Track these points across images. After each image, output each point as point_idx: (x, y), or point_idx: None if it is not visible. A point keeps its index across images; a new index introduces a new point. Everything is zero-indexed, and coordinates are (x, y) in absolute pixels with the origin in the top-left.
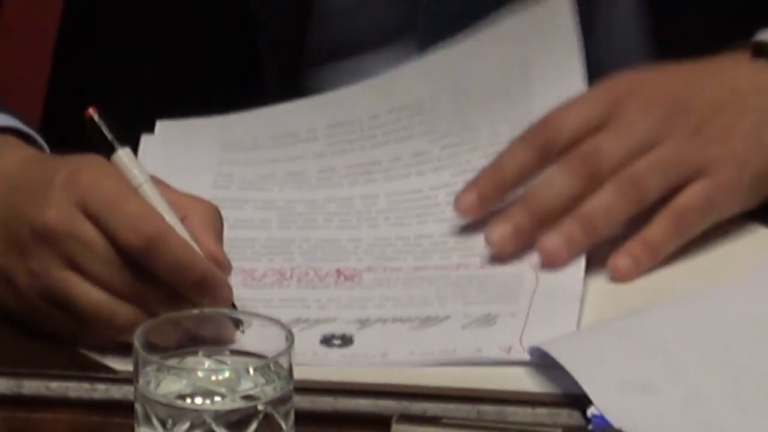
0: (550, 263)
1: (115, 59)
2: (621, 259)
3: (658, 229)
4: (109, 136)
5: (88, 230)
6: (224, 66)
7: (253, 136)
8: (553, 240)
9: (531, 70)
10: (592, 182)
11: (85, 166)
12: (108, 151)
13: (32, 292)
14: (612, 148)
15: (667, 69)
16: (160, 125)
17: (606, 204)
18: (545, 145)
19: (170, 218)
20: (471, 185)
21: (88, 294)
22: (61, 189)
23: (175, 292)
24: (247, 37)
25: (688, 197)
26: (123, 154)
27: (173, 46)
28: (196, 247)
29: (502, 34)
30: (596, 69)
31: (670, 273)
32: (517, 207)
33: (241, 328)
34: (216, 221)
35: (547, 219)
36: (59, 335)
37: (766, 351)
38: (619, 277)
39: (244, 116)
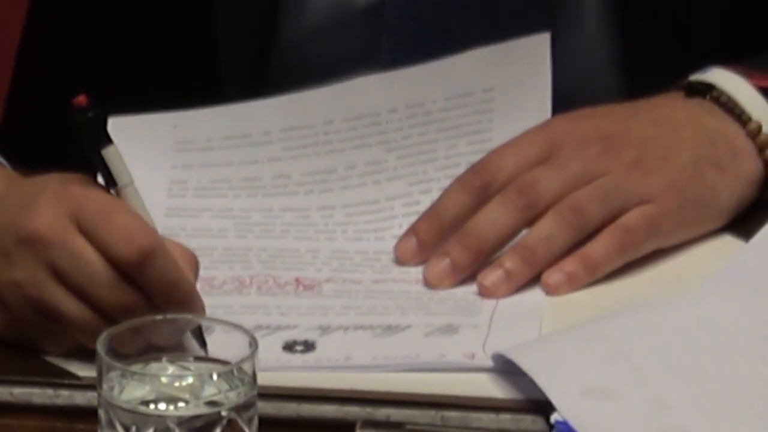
0: (490, 297)
1: (78, 67)
2: (553, 274)
3: (600, 245)
4: (102, 129)
5: (79, 242)
6: (185, 81)
7: (207, 135)
8: (491, 275)
9: (496, 98)
10: (530, 213)
11: (74, 179)
12: (96, 143)
13: (16, 302)
14: (549, 179)
15: (602, 109)
16: (113, 122)
17: (547, 233)
18: (482, 188)
19: (152, 225)
20: (410, 231)
21: (76, 311)
22: (51, 199)
23: (157, 310)
24: (210, 54)
25: (633, 217)
26: (114, 149)
27: (134, 58)
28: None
29: (469, 61)
30: (558, 94)
31: (633, 280)
32: (455, 243)
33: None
34: (194, 267)
35: (486, 253)
36: (38, 346)
37: (728, 358)
38: (550, 291)
39: (198, 114)
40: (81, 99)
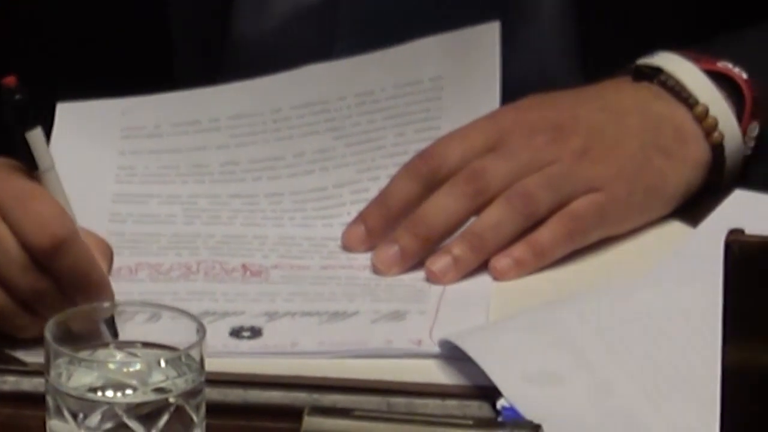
0: (438, 283)
1: (26, 53)
2: (501, 260)
3: (548, 231)
4: (28, 112)
5: None
6: (135, 68)
7: (155, 122)
8: (439, 261)
9: (445, 86)
10: (479, 200)
11: None
12: (21, 125)
13: None
14: (497, 167)
15: (549, 97)
16: (61, 108)
17: (495, 219)
18: (430, 175)
19: (70, 212)
20: (358, 219)
21: None
22: None
23: (68, 298)
24: (162, 42)
25: (581, 205)
26: (38, 133)
27: (84, 44)
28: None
29: (419, 49)
30: (513, 86)
31: (580, 266)
32: (403, 230)
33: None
34: (107, 257)
35: (435, 240)
36: None
37: (673, 343)
38: (497, 276)
39: (146, 100)
40: (10, 80)
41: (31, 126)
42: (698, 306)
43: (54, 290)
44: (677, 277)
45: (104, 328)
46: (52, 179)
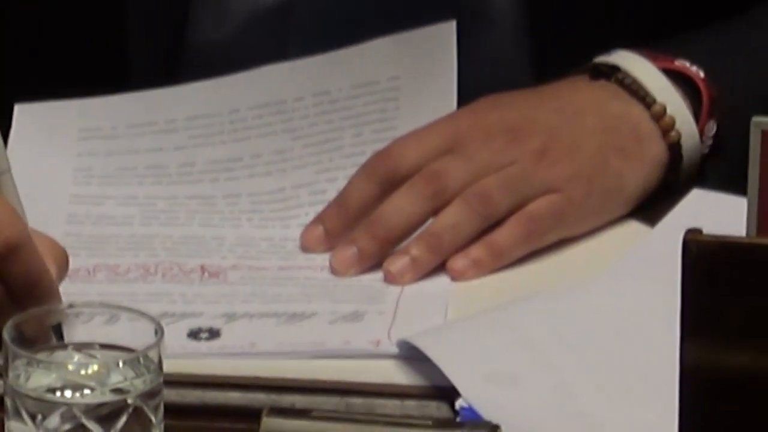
0: (396, 284)
1: None
2: (458, 260)
3: (506, 232)
4: None
5: None
6: (92, 69)
7: (112, 123)
8: (397, 262)
9: (402, 86)
10: (437, 201)
11: None
12: None
13: None
14: (456, 169)
15: (507, 97)
16: (19, 109)
17: (453, 220)
18: (387, 176)
19: (23, 217)
20: (317, 220)
21: None
22: None
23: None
24: (118, 44)
25: (539, 206)
26: None
27: (41, 44)
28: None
29: (375, 49)
30: (468, 93)
31: (538, 266)
32: (362, 231)
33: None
34: (61, 262)
35: (393, 241)
36: None
37: (631, 343)
38: (455, 277)
39: (103, 101)
40: None
41: None
42: (656, 305)
43: (3, 296)
44: (635, 276)
45: (52, 332)
46: (7, 182)
